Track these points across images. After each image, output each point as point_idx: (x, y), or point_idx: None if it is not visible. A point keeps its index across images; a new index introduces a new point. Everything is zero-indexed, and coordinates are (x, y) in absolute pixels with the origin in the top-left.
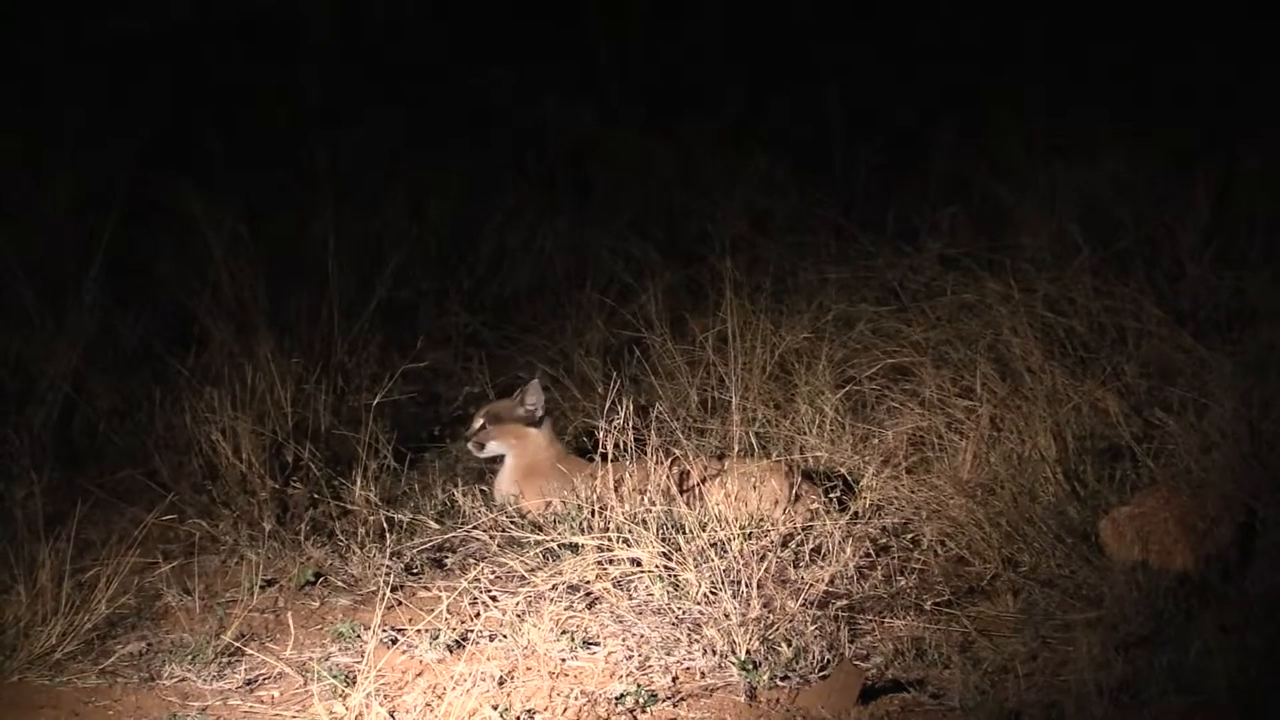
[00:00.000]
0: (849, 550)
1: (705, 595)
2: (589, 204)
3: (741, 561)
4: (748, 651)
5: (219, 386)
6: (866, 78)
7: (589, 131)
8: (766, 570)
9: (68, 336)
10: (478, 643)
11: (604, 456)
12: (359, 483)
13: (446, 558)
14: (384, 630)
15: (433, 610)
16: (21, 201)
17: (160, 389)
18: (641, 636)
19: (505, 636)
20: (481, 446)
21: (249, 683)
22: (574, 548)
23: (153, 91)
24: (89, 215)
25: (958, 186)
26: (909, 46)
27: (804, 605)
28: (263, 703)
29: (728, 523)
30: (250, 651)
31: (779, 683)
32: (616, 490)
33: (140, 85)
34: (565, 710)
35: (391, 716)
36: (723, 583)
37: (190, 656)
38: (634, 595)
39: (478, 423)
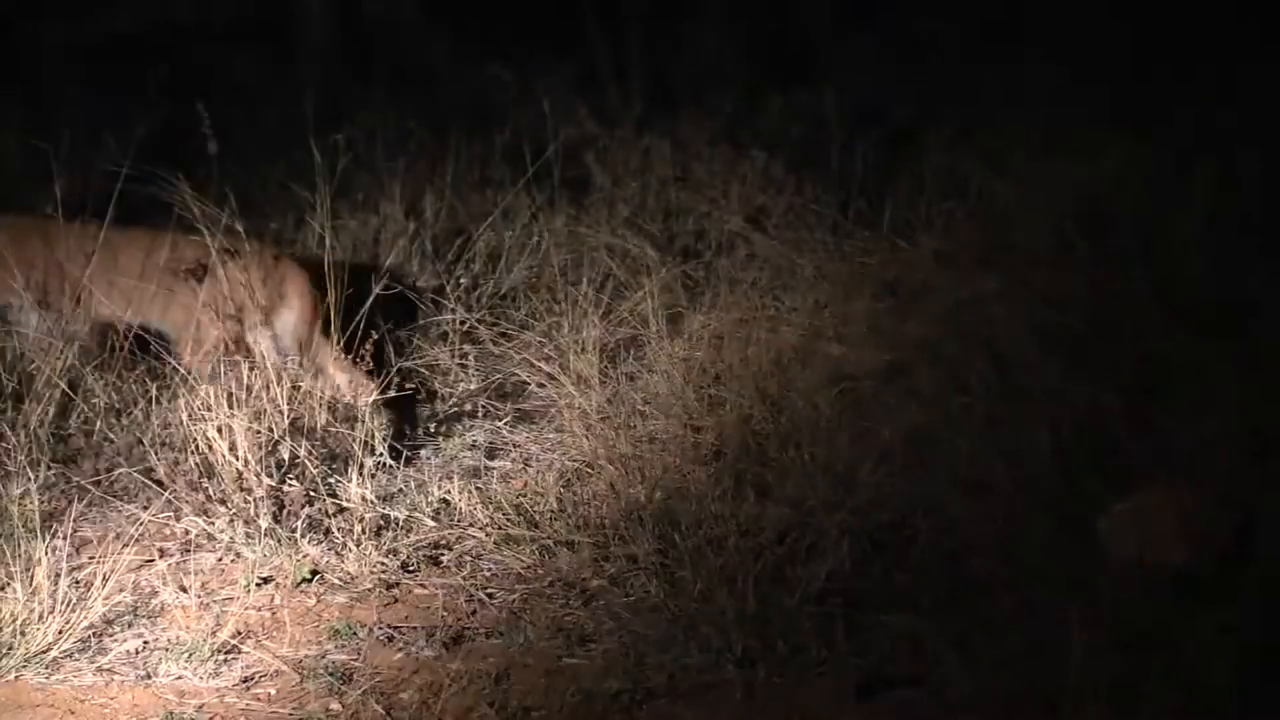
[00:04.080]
0: (845, 547)
1: (702, 592)
2: (585, 201)
3: (738, 558)
4: (744, 649)
5: (215, 384)
6: (864, 74)
7: (586, 128)
8: (763, 567)
9: (64, 333)
10: (474, 640)
11: None
12: (355, 480)
13: (442, 555)
14: (380, 628)
15: (429, 607)
16: (19, 200)
17: (157, 386)
18: (638, 634)
19: (501, 634)
20: None
21: (245, 680)
22: (570, 545)
23: (151, 90)
24: (86, 213)
25: (955, 183)
26: (907, 42)
27: (800, 602)
28: (259, 700)
29: (724, 520)
30: (246, 649)
31: (775, 680)
32: None
33: (138, 84)
34: (562, 708)
35: (388, 714)
36: (719, 580)
37: (187, 654)
38: (630, 593)
39: None
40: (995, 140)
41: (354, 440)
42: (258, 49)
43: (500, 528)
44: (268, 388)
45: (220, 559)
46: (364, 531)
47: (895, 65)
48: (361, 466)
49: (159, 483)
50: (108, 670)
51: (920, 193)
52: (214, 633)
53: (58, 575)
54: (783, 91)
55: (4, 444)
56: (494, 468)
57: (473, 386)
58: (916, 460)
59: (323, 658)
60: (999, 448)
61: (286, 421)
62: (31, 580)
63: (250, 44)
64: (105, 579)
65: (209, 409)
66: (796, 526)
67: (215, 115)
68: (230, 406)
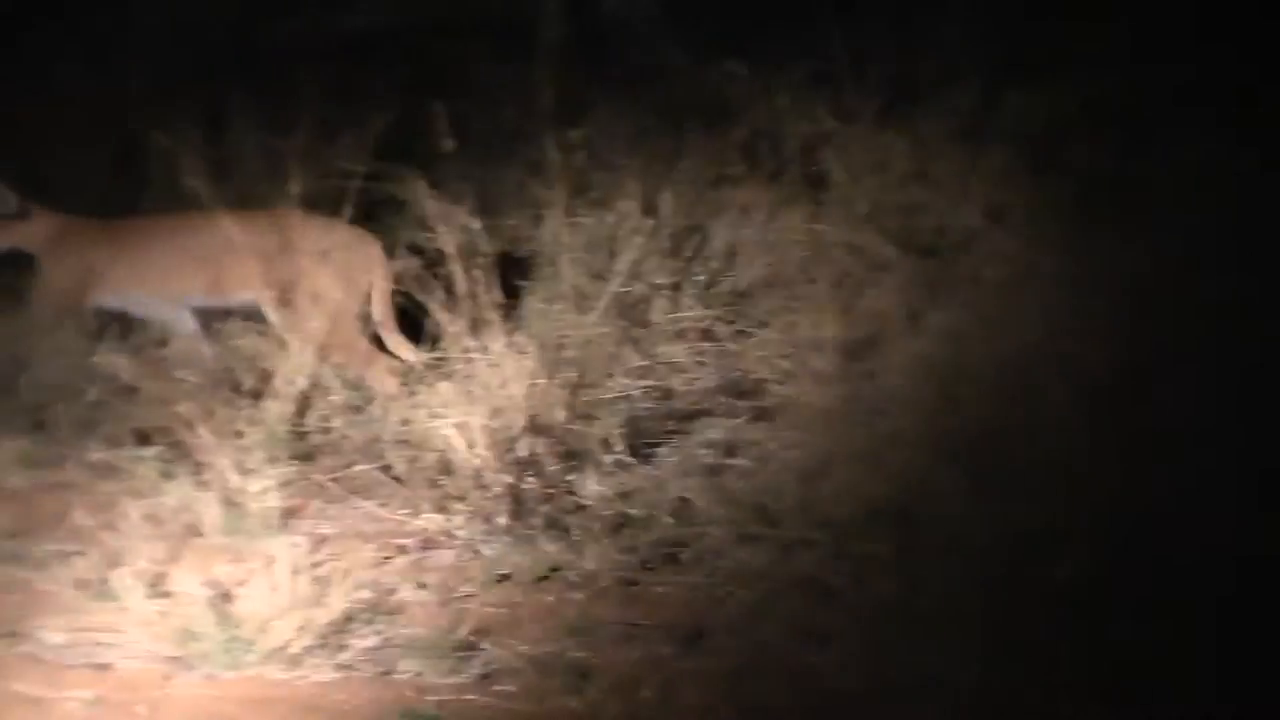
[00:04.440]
0: (1091, 547)
1: (943, 592)
2: (823, 197)
3: (979, 558)
4: (987, 649)
5: (452, 382)
6: (1110, 67)
7: (823, 124)
8: (1005, 567)
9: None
10: (712, 638)
11: None
12: (593, 478)
13: (681, 553)
14: (618, 625)
15: (667, 605)
16: (257, 198)
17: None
18: (877, 633)
19: (740, 632)
20: None
21: (484, 677)
22: (809, 543)
23: (386, 87)
24: (322, 212)
25: (1219, 177)
26: (1157, 35)
27: (1046, 602)
28: (499, 697)
29: (965, 519)
30: (485, 646)
31: (1019, 682)
32: None
33: (373, 81)
34: (801, 707)
35: (626, 711)
36: (961, 579)
37: (425, 651)
38: (870, 592)
39: None
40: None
41: (592, 437)
42: (495, 46)
43: (739, 525)
44: (505, 385)
45: (458, 556)
46: (602, 529)
47: (1144, 60)
48: (599, 464)
49: (397, 480)
50: (347, 666)
51: (1172, 187)
52: (453, 630)
53: (298, 572)
54: (1026, 86)
55: (243, 442)
56: (732, 465)
57: (710, 384)
58: (1161, 460)
59: (561, 655)
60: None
61: (524, 418)
62: (272, 577)
63: (487, 42)
64: (344, 575)
65: (447, 407)
66: (1039, 527)
67: (452, 113)
68: (468, 404)
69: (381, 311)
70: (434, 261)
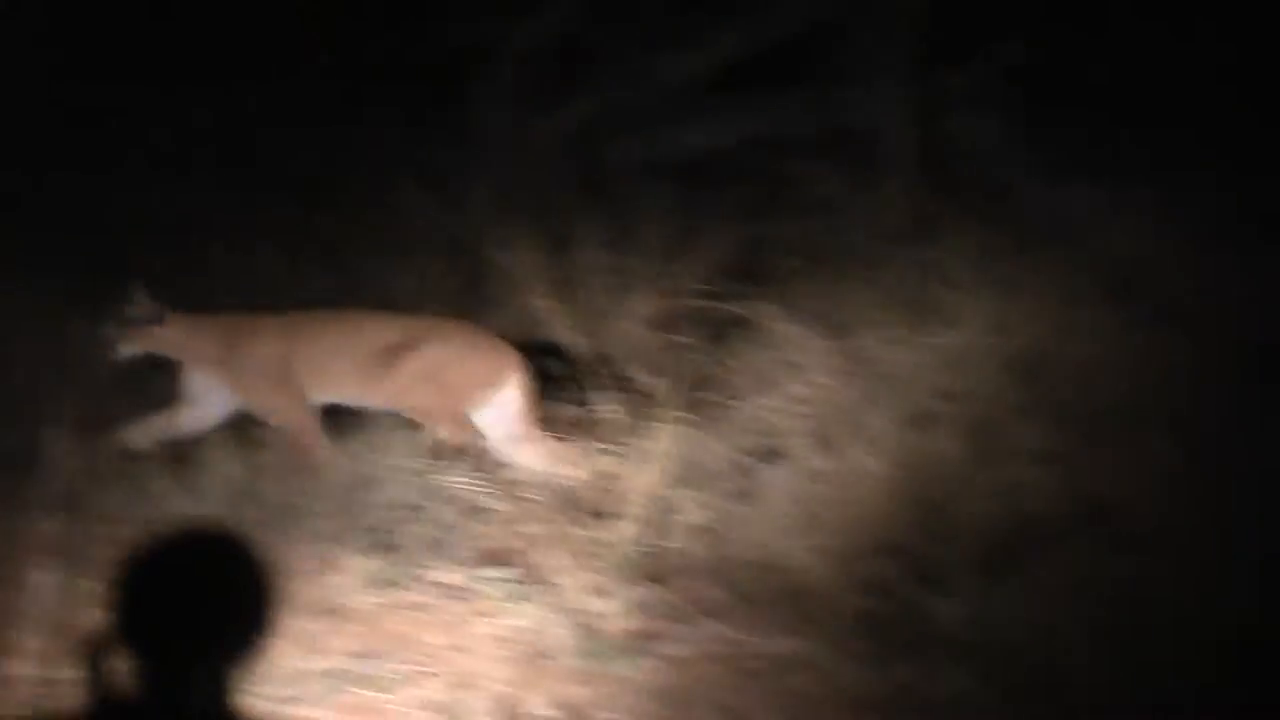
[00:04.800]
0: None
1: None
2: (1173, 318)
3: None
4: None
5: (803, 503)
6: None
7: (1168, 245)
8: None
9: (646, 451)
10: None
11: None
12: (947, 601)
13: (1041, 680)
14: None
15: None
16: (602, 316)
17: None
18: None
19: None
20: (116, 348)
21: None
22: (1180, 672)
23: (730, 206)
24: (668, 328)
25: None
26: None
27: None
28: None
29: None
30: None
31: None
32: None
33: (717, 200)
34: None
35: None
36: None
37: None
38: None
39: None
40: None
41: (946, 559)
42: (839, 164)
43: (1102, 653)
44: (856, 506)
45: (812, 679)
46: (958, 654)
47: None
48: (954, 587)
49: (749, 601)
50: None
51: None
52: None
53: (651, 695)
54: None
55: (594, 563)
56: (1092, 591)
57: (1066, 507)
58: None
59: None
60: None
61: (877, 540)
62: (625, 700)
63: (831, 159)
64: (699, 699)
65: (797, 528)
66: None
67: (797, 232)
68: (818, 526)
69: (522, 424)
70: (782, 379)
